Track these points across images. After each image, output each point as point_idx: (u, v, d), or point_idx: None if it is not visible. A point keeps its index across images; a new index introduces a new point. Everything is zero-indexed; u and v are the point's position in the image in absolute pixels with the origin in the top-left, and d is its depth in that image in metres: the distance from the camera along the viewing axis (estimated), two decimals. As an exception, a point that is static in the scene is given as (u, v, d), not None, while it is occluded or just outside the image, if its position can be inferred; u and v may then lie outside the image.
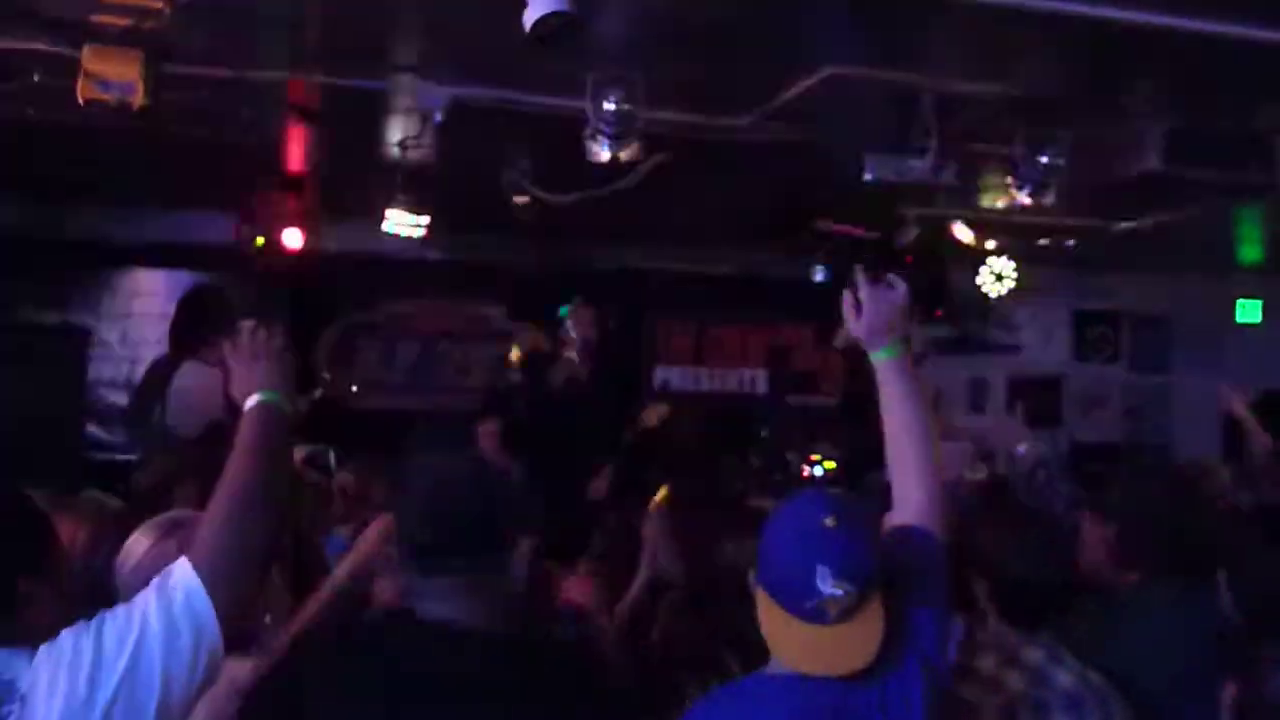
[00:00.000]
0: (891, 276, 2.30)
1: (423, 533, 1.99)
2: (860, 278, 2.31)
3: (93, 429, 7.57)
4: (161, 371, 5.88)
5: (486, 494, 2.08)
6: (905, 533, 2.11)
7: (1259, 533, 2.45)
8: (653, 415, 6.56)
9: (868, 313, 2.27)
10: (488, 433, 5.85)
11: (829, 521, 1.92)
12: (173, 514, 2.87)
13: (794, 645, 1.94)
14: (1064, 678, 2.39)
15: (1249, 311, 9.91)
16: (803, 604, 1.89)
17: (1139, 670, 2.47)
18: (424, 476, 2.10)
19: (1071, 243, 7.46)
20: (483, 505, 2.06)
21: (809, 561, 1.89)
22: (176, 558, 2.46)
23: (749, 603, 2.03)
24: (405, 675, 1.92)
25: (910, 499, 2.15)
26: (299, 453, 3.66)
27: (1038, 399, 9.28)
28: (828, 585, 1.87)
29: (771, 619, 1.96)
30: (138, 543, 2.61)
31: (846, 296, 2.30)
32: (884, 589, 1.99)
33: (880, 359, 2.25)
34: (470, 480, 2.10)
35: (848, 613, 1.90)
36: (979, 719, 2.32)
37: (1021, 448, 4.22)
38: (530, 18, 3.01)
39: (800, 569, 1.89)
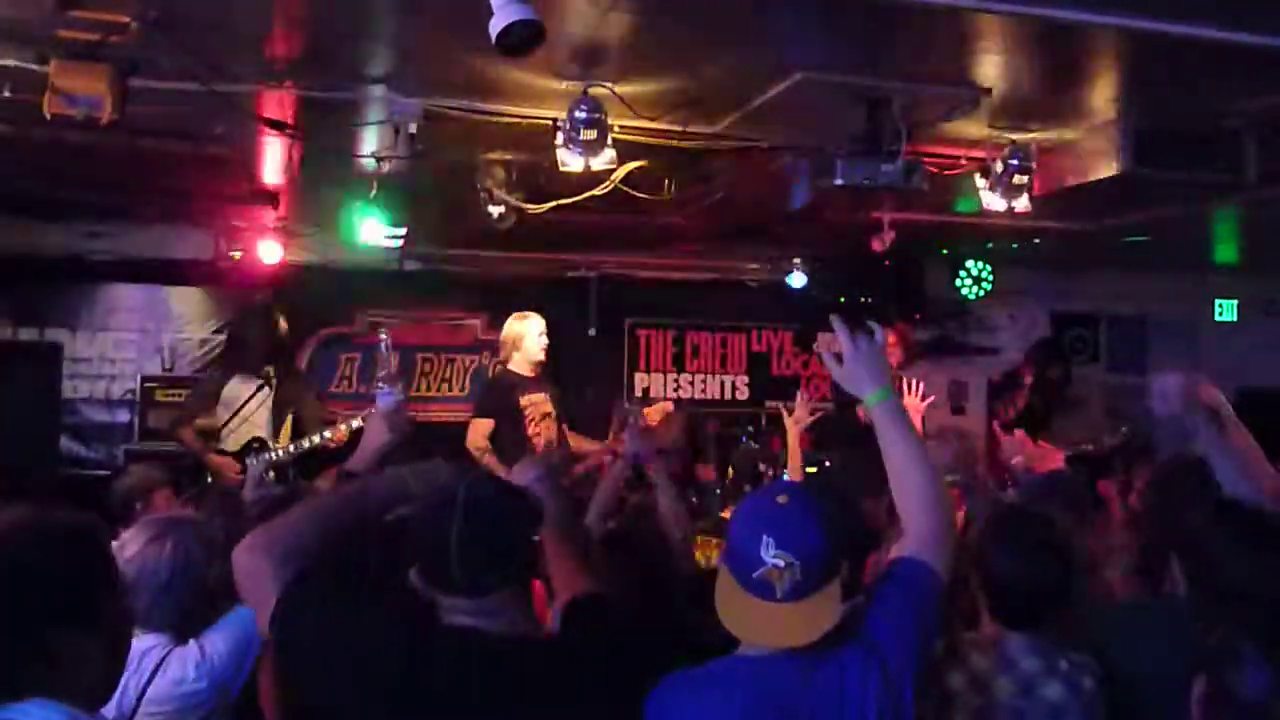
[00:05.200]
0: (871, 324, 2.34)
1: (457, 562, 2.01)
2: (838, 329, 2.35)
3: (68, 445, 7.54)
4: (213, 385, 6.14)
5: (515, 519, 2.14)
6: (899, 561, 2.17)
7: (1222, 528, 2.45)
8: (655, 414, 6.54)
9: (849, 362, 2.31)
10: (479, 430, 5.92)
11: (781, 499, 2.05)
12: (169, 515, 2.88)
13: (743, 617, 2.03)
14: (1053, 690, 2.42)
15: (1225, 310, 9.99)
16: (751, 575, 1.99)
17: (1113, 668, 2.50)
18: (450, 503, 2.08)
19: (1037, 240, 7.50)
20: (511, 532, 2.11)
21: (757, 532, 2.00)
22: (169, 555, 2.53)
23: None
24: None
25: (912, 530, 2.21)
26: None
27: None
28: (769, 554, 1.97)
29: (726, 592, 2.05)
30: (131, 540, 2.65)
31: (826, 352, 2.36)
32: (856, 591, 2.04)
33: (870, 404, 2.29)
34: (499, 507, 2.12)
35: (797, 593, 1.98)
36: (948, 715, 2.35)
37: (1016, 459, 4.45)
38: (496, 26, 3.01)
39: (750, 540, 2.00)
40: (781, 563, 1.96)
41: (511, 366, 6.23)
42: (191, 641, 2.63)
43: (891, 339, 6.40)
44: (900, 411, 2.28)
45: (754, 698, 1.98)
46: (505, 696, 1.97)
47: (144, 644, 2.55)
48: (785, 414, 5.19)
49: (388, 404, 2.79)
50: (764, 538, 1.98)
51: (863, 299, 8.86)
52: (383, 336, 3.57)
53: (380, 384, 2.96)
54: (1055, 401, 7.30)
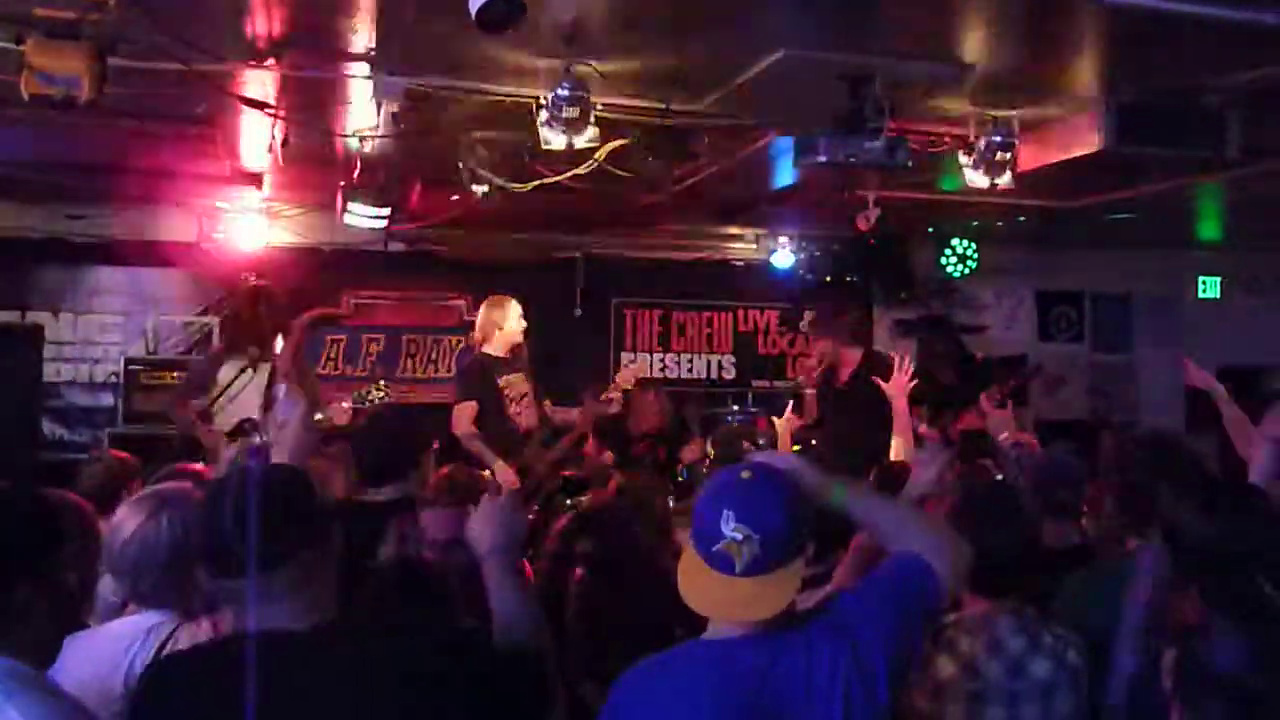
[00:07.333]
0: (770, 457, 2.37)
1: (256, 523, 1.90)
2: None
3: (49, 427, 7.52)
4: (209, 367, 6.10)
5: (298, 479, 2.13)
6: (896, 554, 2.17)
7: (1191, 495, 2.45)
8: (628, 376, 6.54)
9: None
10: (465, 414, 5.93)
11: (744, 475, 2.07)
12: (160, 489, 2.80)
13: (703, 591, 2.05)
14: (1041, 666, 2.46)
15: (1208, 288, 10.04)
16: (711, 549, 2.01)
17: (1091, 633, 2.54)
18: (227, 482, 2.04)
19: (1021, 218, 7.52)
20: (300, 488, 2.09)
21: (718, 507, 2.02)
22: (167, 530, 2.48)
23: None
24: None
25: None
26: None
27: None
28: (729, 527, 1.99)
29: (689, 567, 2.07)
30: (127, 519, 2.56)
31: None
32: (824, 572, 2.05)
33: (839, 503, 2.23)
34: (278, 471, 2.14)
35: (757, 567, 1.99)
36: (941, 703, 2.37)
37: (1004, 434, 4.46)
38: (476, 3, 3.00)
39: (712, 514, 2.02)
40: (740, 536, 1.98)
41: (487, 349, 6.24)
42: (203, 619, 2.50)
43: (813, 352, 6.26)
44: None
45: (719, 680, 1.98)
46: (293, 696, 1.91)
47: (148, 620, 2.46)
48: (776, 420, 5.29)
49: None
50: (725, 511, 2.00)
51: (848, 278, 8.89)
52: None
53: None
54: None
